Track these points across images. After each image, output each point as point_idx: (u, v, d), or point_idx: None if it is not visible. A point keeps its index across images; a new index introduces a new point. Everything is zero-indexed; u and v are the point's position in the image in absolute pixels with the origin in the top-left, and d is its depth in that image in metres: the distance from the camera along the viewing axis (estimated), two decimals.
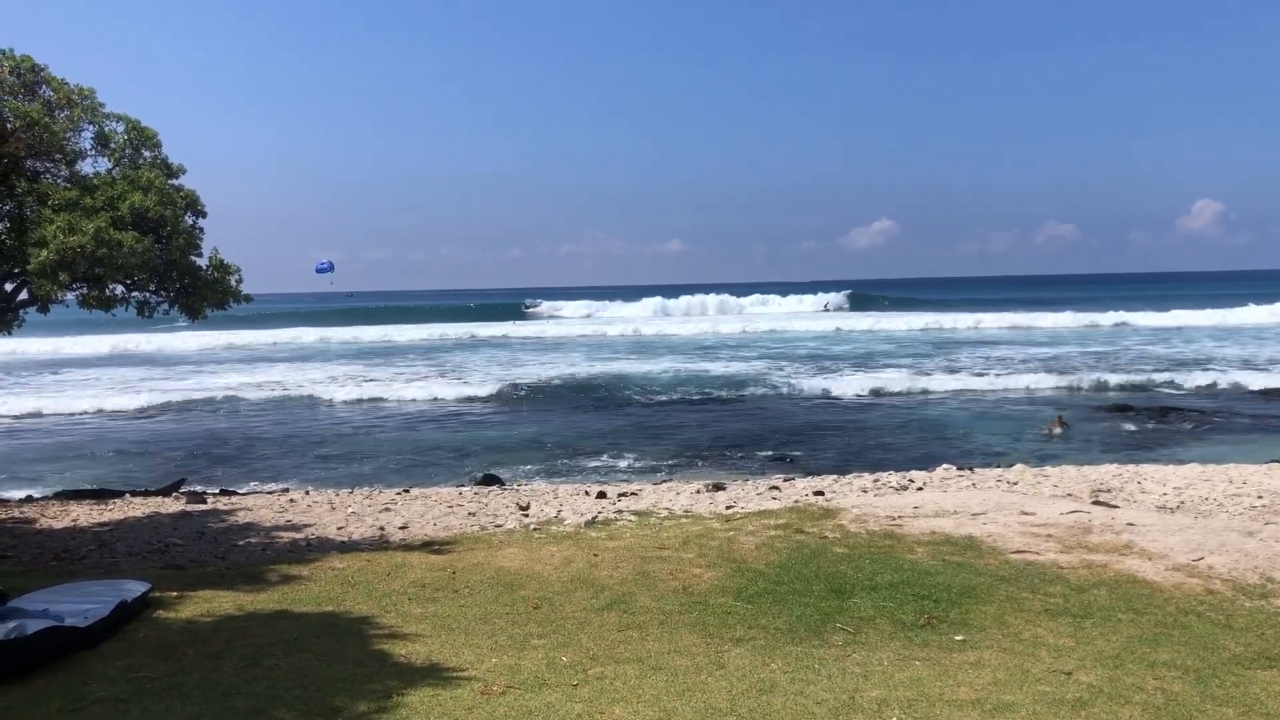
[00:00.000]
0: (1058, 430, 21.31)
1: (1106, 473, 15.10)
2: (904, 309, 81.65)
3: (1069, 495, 12.93)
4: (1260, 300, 65.49)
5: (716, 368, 37.06)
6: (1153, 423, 22.17)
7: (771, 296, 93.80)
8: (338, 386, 31.90)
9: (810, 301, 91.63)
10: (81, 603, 6.89)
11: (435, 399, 28.72)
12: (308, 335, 56.79)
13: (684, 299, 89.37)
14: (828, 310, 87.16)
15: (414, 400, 28.55)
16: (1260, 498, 12.43)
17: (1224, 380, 28.36)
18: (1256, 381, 27.84)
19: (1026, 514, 10.79)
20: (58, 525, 12.75)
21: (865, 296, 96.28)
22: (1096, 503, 12.07)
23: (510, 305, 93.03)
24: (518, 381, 32.70)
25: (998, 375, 31.46)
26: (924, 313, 70.79)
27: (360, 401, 28.61)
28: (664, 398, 28.20)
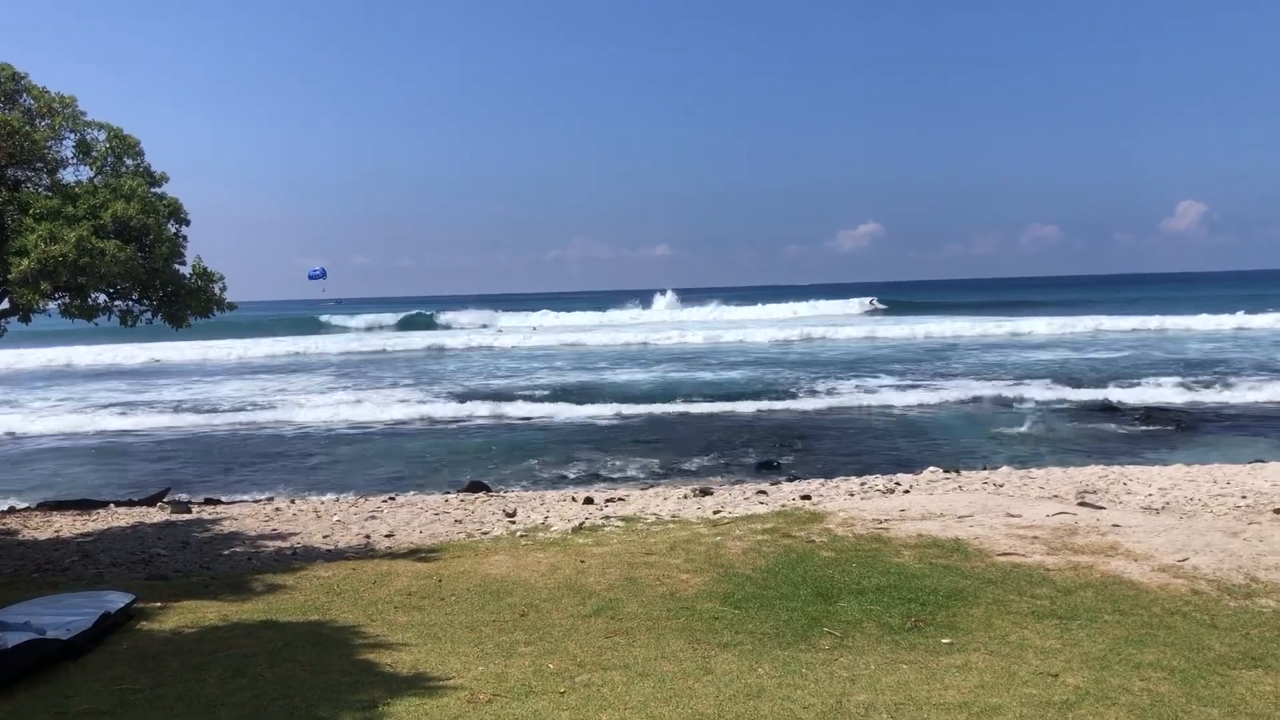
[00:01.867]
0: (1024, 428, 22.08)
1: (1092, 474, 15.16)
2: (932, 313, 78.30)
3: (1055, 497, 12.97)
4: (1249, 304, 65.74)
5: (707, 374, 37.11)
6: (1138, 424, 22.26)
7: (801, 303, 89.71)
8: (320, 397, 31.81)
9: (823, 306, 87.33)
10: (64, 615, 6.85)
11: (416, 408, 28.57)
12: (284, 346, 55.06)
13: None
14: (874, 307, 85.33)
15: (397, 410, 28.40)
16: (1244, 498, 12.49)
17: (1216, 387, 28.41)
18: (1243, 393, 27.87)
19: (1012, 516, 10.83)
20: (41, 536, 12.66)
21: (895, 302, 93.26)
22: (1082, 504, 12.11)
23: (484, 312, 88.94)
24: (501, 390, 32.66)
25: (985, 380, 31.61)
26: (955, 317, 67.72)
27: (343, 411, 28.45)
28: (652, 404, 28.15)
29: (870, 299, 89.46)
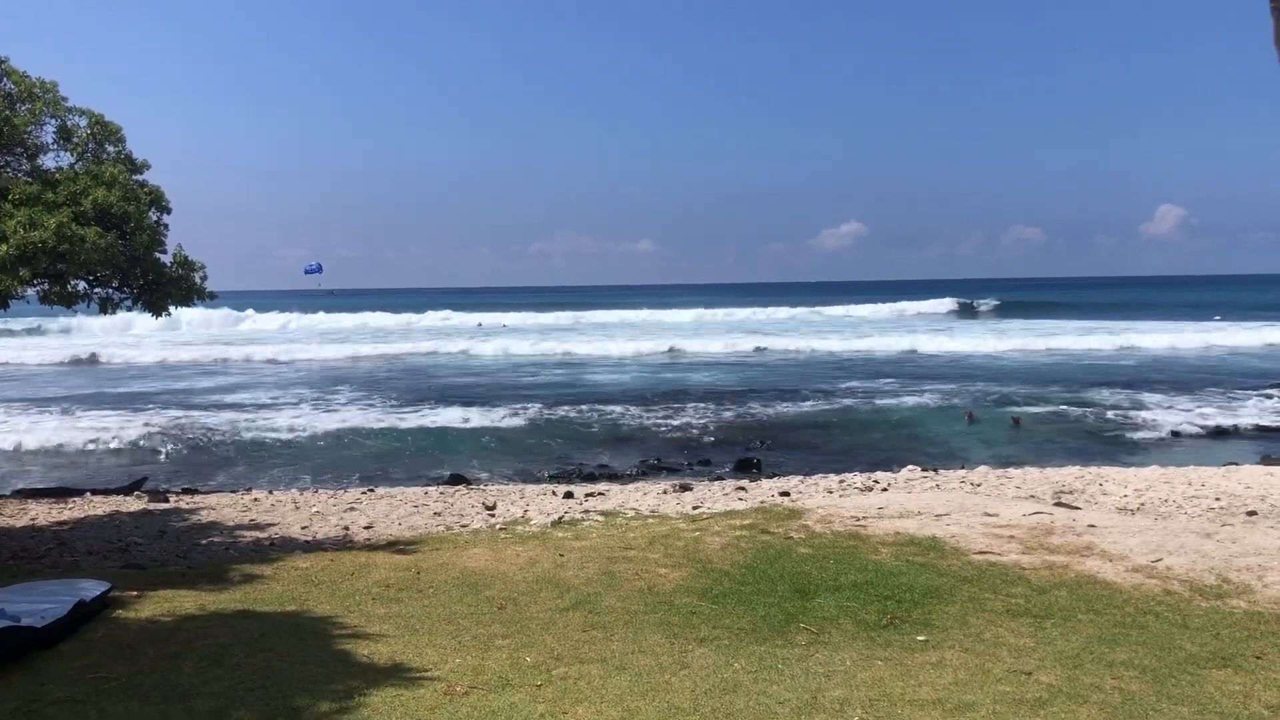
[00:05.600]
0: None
1: (1069, 474, 15.26)
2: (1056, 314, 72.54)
3: (1031, 497, 13.06)
4: (1226, 312, 65.49)
5: (695, 375, 37.16)
6: (1115, 427, 22.41)
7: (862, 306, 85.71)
8: (297, 390, 31.66)
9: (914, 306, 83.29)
10: (38, 602, 6.80)
11: (397, 402, 28.51)
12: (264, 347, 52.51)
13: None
14: (958, 307, 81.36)
15: (374, 404, 28.32)
16: (1218, 500, 12.61)
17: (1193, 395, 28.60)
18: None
19: (989, 515, 10.89)
20: (16, 524, 12.58)
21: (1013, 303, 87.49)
22: (1058, 504, 12.20)
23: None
24: (481, 384, 32.62)
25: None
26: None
27: (330, 409, 28.34)
28: (634, 401, 28.16)
29: (951, 298, 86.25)
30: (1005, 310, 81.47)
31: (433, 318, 77.69)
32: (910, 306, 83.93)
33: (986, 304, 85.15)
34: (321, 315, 76.36)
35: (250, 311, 76.10)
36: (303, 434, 22.70)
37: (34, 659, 6.13)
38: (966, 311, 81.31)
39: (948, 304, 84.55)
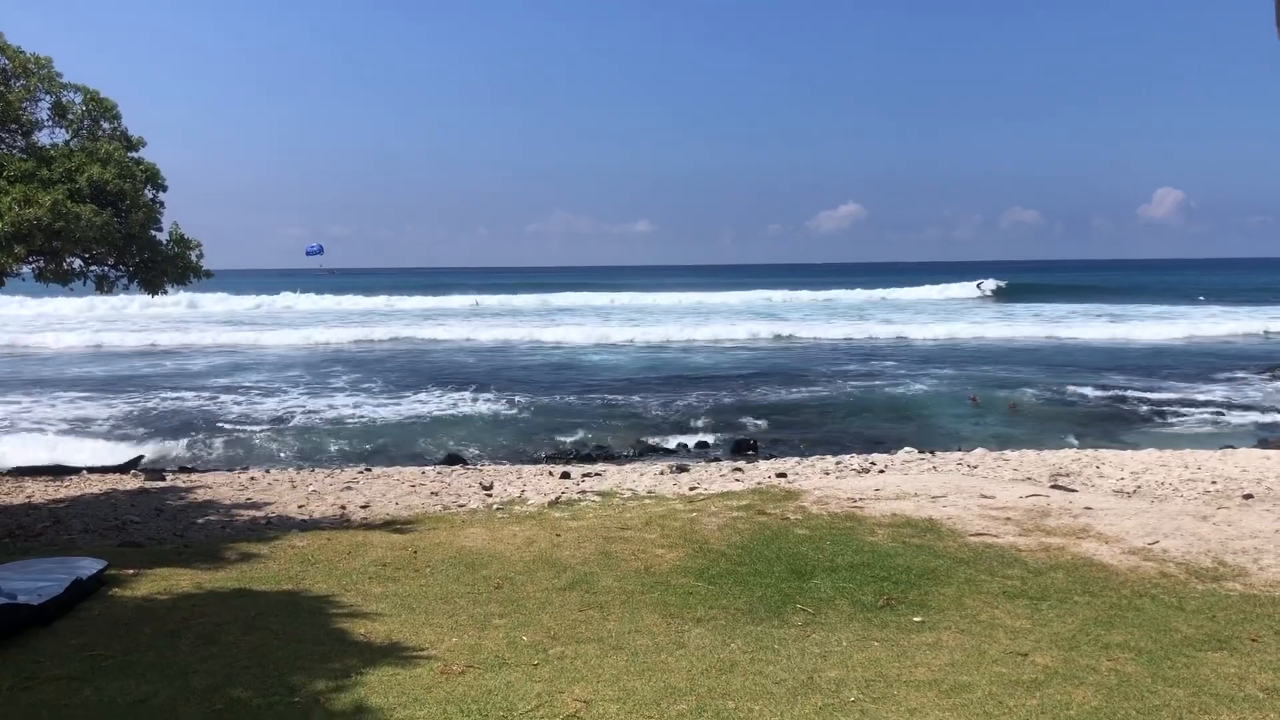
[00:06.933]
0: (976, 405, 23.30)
1: (1065, 457, 15.29)
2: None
3: (1028, 479, 13.07)
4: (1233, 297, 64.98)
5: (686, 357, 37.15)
6: (1112, 409, 22.43)
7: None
8: (294, 372, 31.61)
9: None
10: (35, 580, 6.79)
11: (394, 383, 28.49)
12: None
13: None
14: (983, 292, 78.70)
15: (372, 385, 28.31)
16: (1214, 483, 12.63)
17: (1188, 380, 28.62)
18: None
19: (986, 497, 10.90)
20: (13, 502, 12.57)
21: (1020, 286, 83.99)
22: (1055, 486, 12.21)
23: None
24: (478, 365, 32.60)
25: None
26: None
27: (331, 394, 28.31)
28: (631, 383, 28.16)
29: (978, 282, 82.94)
30: (1009, 294, 79.99)
31: (456, 300, 75.82)
32: (920, 292, 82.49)
33: (995, 285, 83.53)
34: (327, 296, 75.67)
35: (262, 295, 75.33)
36: (300, 414, 22.68)
37: (30, 636, 6.13)
38: (981, 296, 79.56)
39: (967, 289, 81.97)
